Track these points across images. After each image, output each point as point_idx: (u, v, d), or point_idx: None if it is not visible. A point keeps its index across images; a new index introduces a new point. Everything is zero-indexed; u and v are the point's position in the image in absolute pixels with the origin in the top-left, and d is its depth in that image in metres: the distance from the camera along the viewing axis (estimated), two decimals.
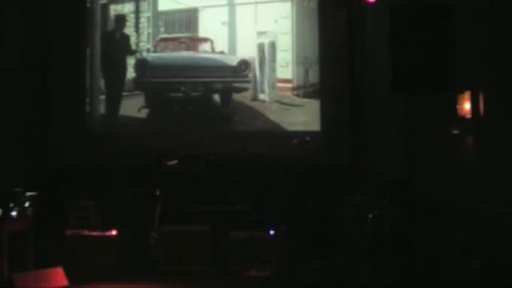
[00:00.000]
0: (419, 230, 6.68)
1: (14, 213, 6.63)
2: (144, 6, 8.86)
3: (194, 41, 8.91)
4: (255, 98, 8.73)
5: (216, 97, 8.77)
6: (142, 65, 8.77)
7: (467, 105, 6.87)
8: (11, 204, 6.65)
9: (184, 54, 8.82)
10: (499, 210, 6.06)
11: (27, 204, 6.77)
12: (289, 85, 8.73)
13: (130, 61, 8.77)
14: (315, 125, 8.58)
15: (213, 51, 8.81)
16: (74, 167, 8.33)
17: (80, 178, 8.16)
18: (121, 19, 8.79)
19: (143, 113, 8.68)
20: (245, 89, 8.72)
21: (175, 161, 7.84)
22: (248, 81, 8.70)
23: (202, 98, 8.75)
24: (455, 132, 7.08)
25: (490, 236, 6.12)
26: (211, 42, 8.81)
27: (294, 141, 8.05)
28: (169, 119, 8.72)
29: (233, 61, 8.75)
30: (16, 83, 8.22)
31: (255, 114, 8.68)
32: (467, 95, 6.87)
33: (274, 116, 8.67)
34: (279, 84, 8.74)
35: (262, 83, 8.74)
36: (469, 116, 6.84)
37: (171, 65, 8.82)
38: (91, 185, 8.04)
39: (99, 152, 8.47)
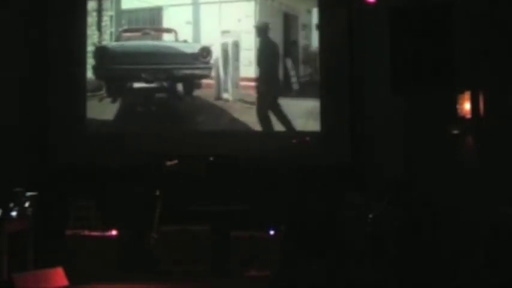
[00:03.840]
0: (419, 230, 6.68)
1: (14, 213, 6.63)
2: (107, 4, 8.80)
3: (158, 32, 8.87)
4: (218, 97, 8.73)
5: (179, 88, 8.74)
6: (102, 53, 8.69)
7: (467, 105, 6.86)
8: (11, 204, 6.64)
9: (146, 42, 8.76)
10: (499, 211, 6.06)
11: (27, 204, 6.76)
12: (252, 83, 8.72)
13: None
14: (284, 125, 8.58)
15: (176, 41, 8.80)
16: (74, 167, 8.32)
17: (80, 178, 8.16)
18: (262, 28, 8.69)
19: (110, 114, 8.61)
20: (206, 76, 8.69)
21: (175, 161, 7.83)
22: (209, 68, 8.68)
23: (164, 88, 8.71)
24: (455, 132, 7.08)
25: (491, 236, 6.12)
26: (176, 33, 8.77)
27: (294, 141, 8.05)
28: (133, 117, 8.69)
29: (194, 48, 8.72)
30: (16, 83, 8.23)
31: (219, 114, 8.66)
32: (467, 95, 6.86)
33: (237, 115, 8.65)
34: (242, 83, 8.73)
35: (225, 82, 8.73)
36: (469, 116, 6.83)
37: (131, 53, 8.74)
38: (91, 185, 8.04)
39: (99, 152, 8.46)
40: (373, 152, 8.24)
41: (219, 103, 8.70)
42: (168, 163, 7.79)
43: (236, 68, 8.74)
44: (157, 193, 7.56)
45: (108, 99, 8.66)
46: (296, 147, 8.09)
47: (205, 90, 8.71)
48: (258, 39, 8.65)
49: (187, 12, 8.79)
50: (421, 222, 6.73)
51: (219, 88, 8.73)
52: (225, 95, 8.72)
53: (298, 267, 7.08)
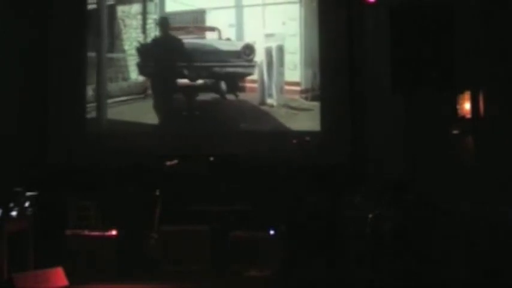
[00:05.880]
0: (419, 230, 6.67)
1: (14, 213, 6.62)
2: (151, 7, 8.84)
3: (201, 30, 8.88)
4: (262, 103, 8.70)
5: (223, 87, 8.74)
6: (146, 50, 8.76)
7: (467, 105, 6.86)
8: (11, 204, 6.64)
9: (188, 40, 8.77)
10: (499, 210, 6.06)
11: (27, 204, 6.77)
12: (297, 88, 8.67)
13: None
14: (318, 126, 8.56)
15: (219, 39, 8.80)
16: (74, 167, 8.33)
17: (80, 178, 8.16)
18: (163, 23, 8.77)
19: (154, 119, 8.69)
20: (249, 74, 8.69)
21: (175, 161, 7.83)
22: (252, 66, 8.66)
23: (208, 87, 8.73)
24: (455, 132, 7.08)
25: (490, 236, 6.12)
26: (219, 31, 8.77)
27: (294, 141, 8.05)
28: (177, 120, 8.74)
29: (237, 46, 8.72)
30: (16, 83, 8.23)
31: (263, 119, 8.64)
32: (467, 95, 6.86)
33: (283, 120, 8.63)
34: (287, 87, 8.69)
35: (269, 87, 8.69)
36: (469, 116, 6.83)
37: (174, 50, 8.76)
38: (91, 185, 8.05)
39: (99, 152, 8.47)
40: (373, 152, 8.24)
41: (263, 108, 8.68)
42: (168, 163, 7.80)
43: (281, 73, 8.69)
44: (157, 193, 7.56)
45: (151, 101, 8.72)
46: (296, 147, 8.09)
47: (249, 95, 8.69)
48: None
49: (230, 15, 8.79)
50: (421, 222, 6.73)
51: (263, 93, 8.70)
52: (269, 100, 8.68)
53: (298, 267, 7.08)
